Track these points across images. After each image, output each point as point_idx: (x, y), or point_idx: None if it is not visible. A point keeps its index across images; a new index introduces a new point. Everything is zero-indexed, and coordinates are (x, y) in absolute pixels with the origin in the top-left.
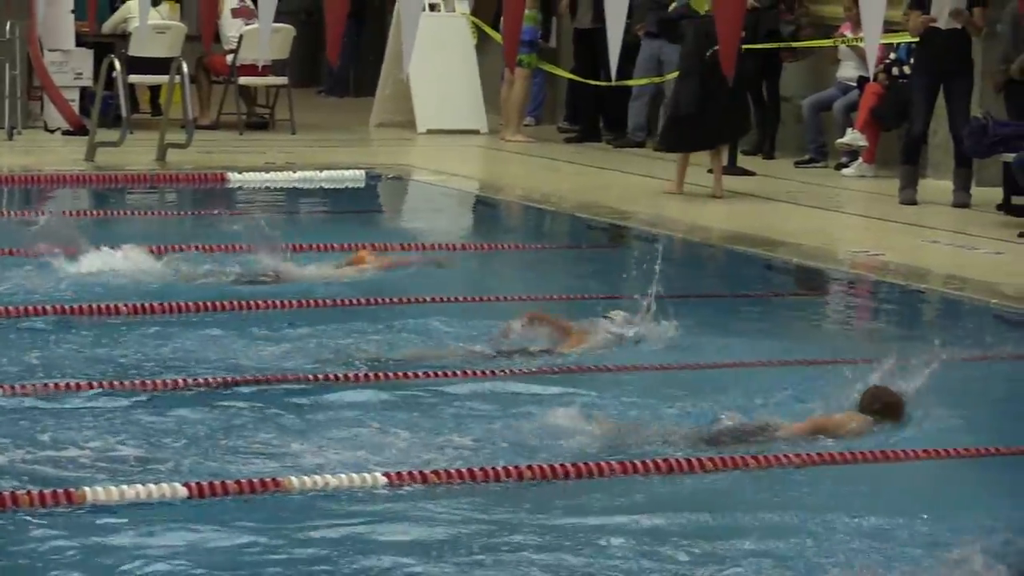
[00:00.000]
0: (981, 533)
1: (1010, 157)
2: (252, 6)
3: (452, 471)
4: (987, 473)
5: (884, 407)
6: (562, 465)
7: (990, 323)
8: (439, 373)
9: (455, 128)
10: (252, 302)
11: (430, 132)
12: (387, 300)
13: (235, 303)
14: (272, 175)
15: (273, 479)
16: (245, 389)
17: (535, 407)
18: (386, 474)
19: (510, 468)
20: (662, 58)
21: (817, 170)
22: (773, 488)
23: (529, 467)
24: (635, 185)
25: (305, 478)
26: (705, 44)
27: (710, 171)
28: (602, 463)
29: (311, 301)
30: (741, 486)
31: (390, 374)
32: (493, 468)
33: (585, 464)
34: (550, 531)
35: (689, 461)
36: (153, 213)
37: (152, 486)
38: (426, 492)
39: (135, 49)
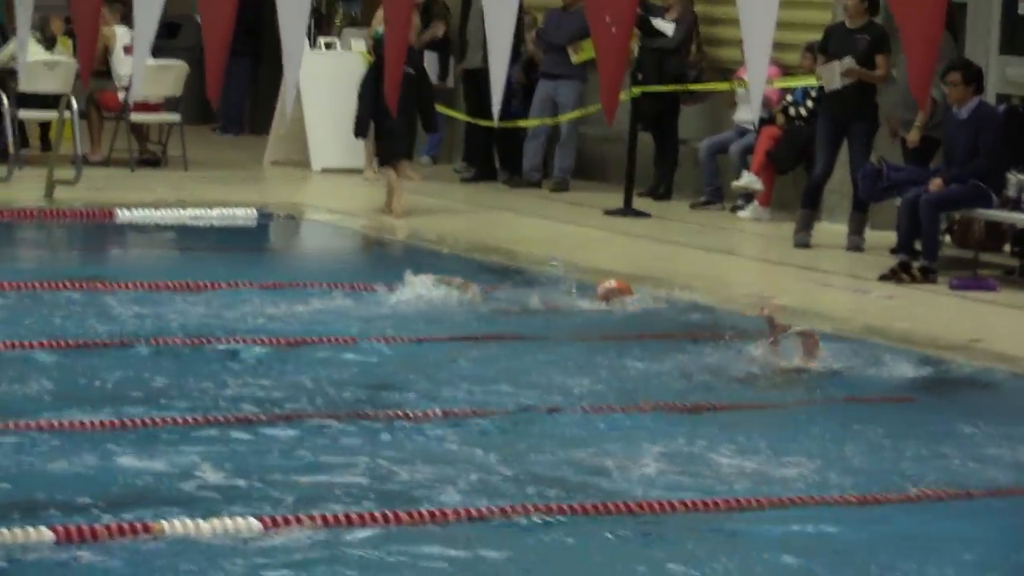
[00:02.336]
0: None
1: None
2: None
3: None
4: None
5: None
6: None
7: (881, 365)
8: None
9: (350, 167)
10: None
11: (325, 171)
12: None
13: None
14: (162, 212)
15: (143, 523)
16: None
17: None
18: (259, 518)
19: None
20: (557, 99)
21: (713, 212)
22: None
23: None
24: (528, 226)
25: (176, 522)
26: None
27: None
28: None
29: None
30: None
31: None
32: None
33: None
34: None
35: None
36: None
37: (17, 530)
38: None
39: (25, 84)
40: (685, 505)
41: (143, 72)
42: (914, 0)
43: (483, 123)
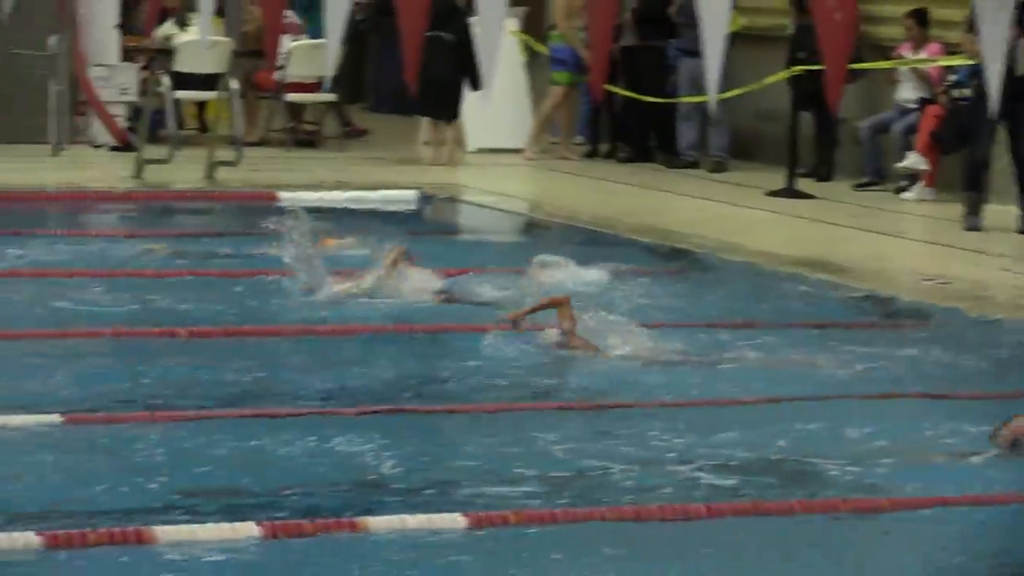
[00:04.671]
0: None
1: None
2: (298, 21)
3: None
4: None
5: None
6: None
7: None
8: None
9: (505, 147)
10: None
11: (480, 151)
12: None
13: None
14: (323, 194)
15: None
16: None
17: None
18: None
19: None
20: (698, 78)
21: (876, 193)
22: None
23: None
24: (689, 207)
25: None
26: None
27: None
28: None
29: None
30: None
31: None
32: None
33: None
34: None
35: None
36: None
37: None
38: None
39: (181, 65)
40: None
41: (335, 57)
42: None
43: (650, 100)
